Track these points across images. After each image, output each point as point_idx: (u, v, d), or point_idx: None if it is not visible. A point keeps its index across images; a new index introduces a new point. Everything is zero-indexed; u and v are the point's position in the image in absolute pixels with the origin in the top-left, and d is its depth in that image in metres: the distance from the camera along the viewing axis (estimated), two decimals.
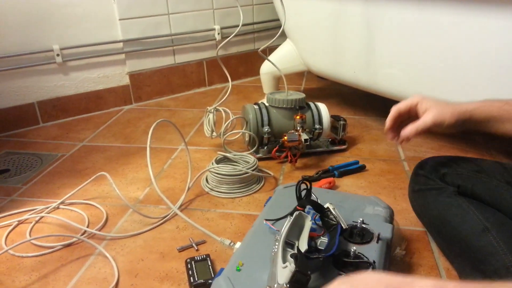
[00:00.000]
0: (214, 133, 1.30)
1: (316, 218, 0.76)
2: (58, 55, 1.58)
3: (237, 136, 1.40)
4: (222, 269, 0.68)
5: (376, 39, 1.32)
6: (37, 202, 1.10)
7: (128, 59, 1.77)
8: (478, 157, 0.93)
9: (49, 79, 1.61)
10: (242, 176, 1.11)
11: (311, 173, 1.21)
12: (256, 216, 0.99)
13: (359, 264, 0.67)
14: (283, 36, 1.58)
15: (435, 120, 0.77)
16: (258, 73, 1.78)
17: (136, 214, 1.03)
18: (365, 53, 1.38)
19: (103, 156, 1.36)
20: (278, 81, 1.75)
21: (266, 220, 0.78)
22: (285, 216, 0.75)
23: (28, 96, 1.59)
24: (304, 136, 1.18)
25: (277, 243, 0.67)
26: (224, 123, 1.28)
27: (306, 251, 0.65)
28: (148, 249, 0.91)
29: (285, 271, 0.59)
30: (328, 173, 1.20)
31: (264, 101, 1.34)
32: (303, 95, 1.29)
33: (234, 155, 1.21)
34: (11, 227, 1.00)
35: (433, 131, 0.80)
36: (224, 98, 1.29)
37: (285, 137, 1.19)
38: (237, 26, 1.28)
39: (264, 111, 1.28)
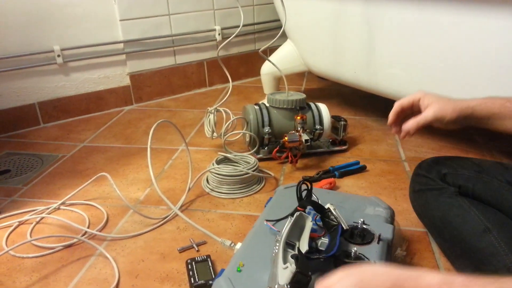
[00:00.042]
0: (215, 134, 1.30)
1: (317, 218, 0.76)
2: (58, 55, 1.58)
3: (237, 137, 1.39)
4: (222, 270, 0.68)
5: (377, 39, 1.32)
6: (38, 203, 1.10)
7: (129, 60, 1.77)
8: (478, 157, 0.93)
9: (49, 79, 1.62)
10: (243, 176, 1.11)
11: (311, 173, 1.21)
12: (256, 216, 0.98)
13: None
14: (284, 36, 1.57)
15: (436, 115, 0.78)
16: (258, 74, 1.78)
17: (137, 214, 1.03)
18: (365, 53, 1.38)
19: (104, 156, 1.36)
20: (278, 82, 1.75)
21: (267, 220, 0.78)
22: (286, 217, 0.75)
23: (28, 97, 1.59)
24: (304, 137, 1.18)
25: (277, 244, 0.67)
26: (225, 124, 1.28)
27: (307, 252, 0.65)
28: (149, 249, 0.91)
29: (285, 271, 0.59)
30: (328, 173, 1.20)
31: (265, 101, 1.34)
32: (303, 96, 1.29)
33: (235, 155, 1.21)
34: (11, 228, 1.00)
35: (434, 127, 0.80)
36: (225, 98, 1.29)
37: (286, 138, 1.19)
38: (238, 26, 1.28)
39: (264, 111, 1.28)
